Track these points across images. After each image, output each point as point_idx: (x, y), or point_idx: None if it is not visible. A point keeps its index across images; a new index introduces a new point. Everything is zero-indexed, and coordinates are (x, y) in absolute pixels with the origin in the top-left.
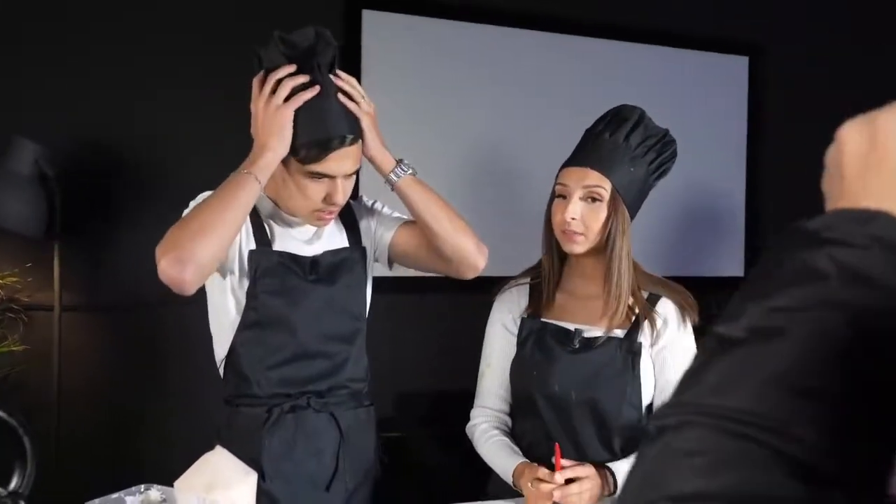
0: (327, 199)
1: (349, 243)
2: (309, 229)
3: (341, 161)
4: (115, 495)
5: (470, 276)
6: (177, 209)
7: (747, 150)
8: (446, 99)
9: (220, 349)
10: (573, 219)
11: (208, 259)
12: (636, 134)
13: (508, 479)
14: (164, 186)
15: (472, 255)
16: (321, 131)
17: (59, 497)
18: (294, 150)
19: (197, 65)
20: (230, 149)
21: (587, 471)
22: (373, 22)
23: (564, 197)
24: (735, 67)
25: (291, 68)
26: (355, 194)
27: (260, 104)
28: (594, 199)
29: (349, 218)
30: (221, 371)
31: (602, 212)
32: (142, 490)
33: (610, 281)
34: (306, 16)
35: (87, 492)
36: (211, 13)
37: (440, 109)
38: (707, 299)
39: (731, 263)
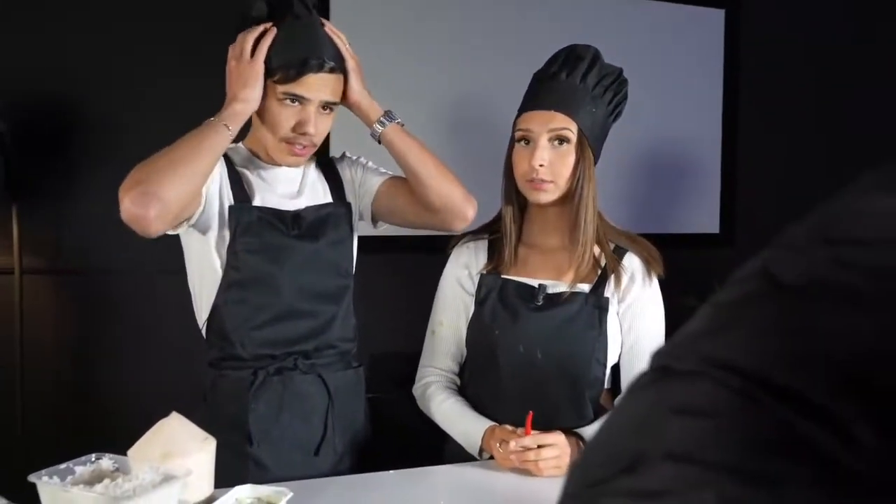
0: (298, 128)
1: (333, 199)
2: (291, 184)
3: (318, 85)
4: (63, 465)
5: (459, 227)
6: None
7: (723, 104)
8: (410, 54)
9: (203, 311)
10: (541, 165)
11: (173, 198)
12: (592, 74)
13: (475, 442)
14: (124, 143)
15: (460, 202)
16: (300, 50)
17: (23, 463)
18: (270, 71)
19: (154, 20)
20: (190, 104)
21: (555, 437)
22: None
23: (528, 142)
24: (711, 20)
25: (265, 27)
26: (325, 148)
27: (232, 59)
28: (562, 142)
29: (332, 173)
30: (204, 333)
31: (570, 156)
32: (93, 459)
33: (577, 229)
34: None
35: (51, 457)
36: None
37: (403, 64)
38: (683, 256)
39: (706, 219)
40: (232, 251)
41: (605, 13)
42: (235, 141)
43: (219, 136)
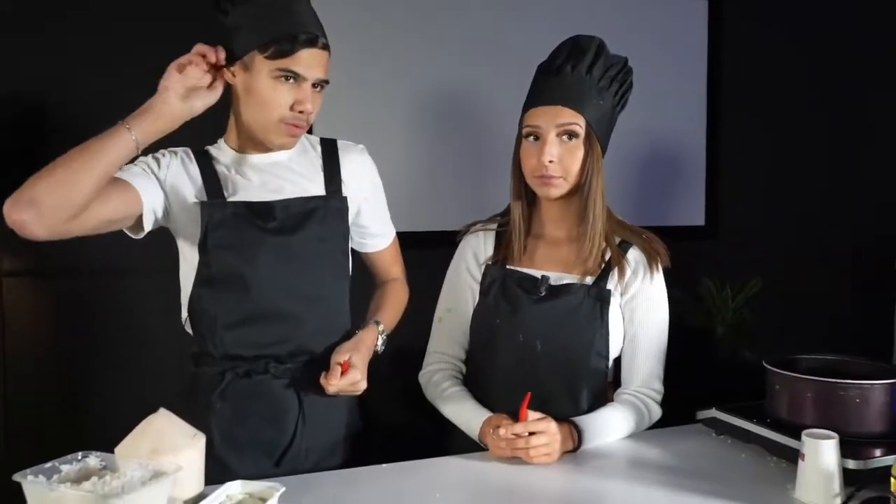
0: (295, 106)
1: (326, 191)
2: (277, 175)
3: (312, 61)
4: (49, 464)
5: None
6: None
7: (707, 96)
8: (401, 46)
9: (184, 307)
10: (551, 161)
11: (49, 203)
12: (598, 65)
13: (474, 434)
14: None
15: None
16: (292, 26)
17: (5, 462)
18: (262, 46)
19: (136, 21)
20: None
21: (546, 425)
22: None
23: (537, 138)
24: (694, 11)
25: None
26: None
27: (188, 59)
28: (570, 136)
29: (332, 162)
30: (188, 328)
31: (579, 150)
32: (79, 458)
33: (586, 223)
34: None
35: (35, 457)
36: None
37: (394, 57)
38: (669, 248)
39: (691, 212)
40: (203, 248)
41: (588, 5)
42: (212, 140)
43: (112, 139)
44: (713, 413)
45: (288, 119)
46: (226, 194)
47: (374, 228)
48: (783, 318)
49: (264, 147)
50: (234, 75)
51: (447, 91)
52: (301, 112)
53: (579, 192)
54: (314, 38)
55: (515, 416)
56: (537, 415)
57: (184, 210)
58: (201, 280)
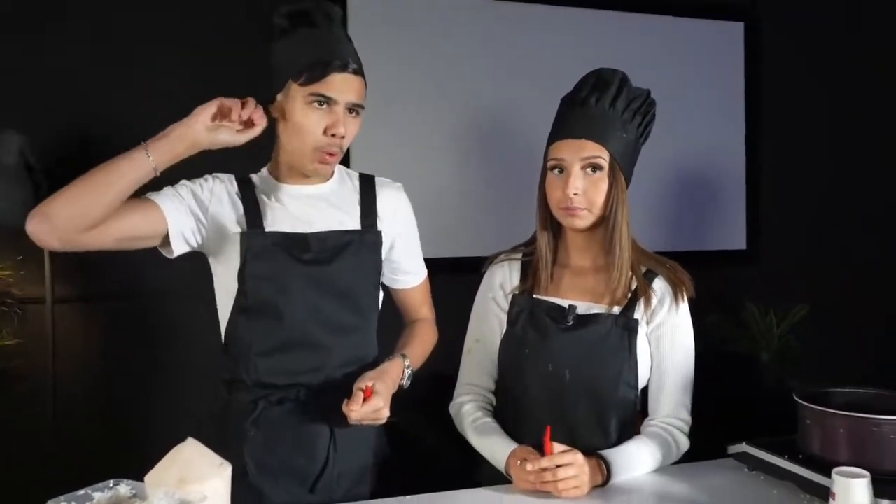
0: (328, 130)
1: (361, 225)
2: (315, 207)
3: (344, 86)
4: (81, 491)
5: None
6: None
7: (745, 118)
8: (434, 76)
9: (222, 333)
10: (575, 194)
11: (63, 218)
12: (621, 98)
13: (501, 466)
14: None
15: None
16: (324, 53)
17: (56, 487)
18: (295, 74)
19: (179, 54)
20: None
21: (573, 457)
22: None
23: (561, 171)
24: (730, 33)
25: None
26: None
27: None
28: (595, 169)
29: (369, 196)
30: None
31: (603, 182)
32: (111, 486)
33: (613, 253)
34: None
35: (82, 482)
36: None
37: (428, 86)
38: (710, 273)
39: (733, 236)
40: (241, 277)
41: (624, 31)
42: (255, 169)
43: (129, 162)
44: (743, 447)
45: (322, 145)
46: (265, 224)
47: (405, 265)
48: (830, 345)
49: (303, 177)
50: (276, 109)
51: (485, 115)
52: (334, 136)
53: (604, 223)
54: (345, 62)
55: (540, 449)
56: (563, 447)
57: (223, 237)
58: (238, 308)
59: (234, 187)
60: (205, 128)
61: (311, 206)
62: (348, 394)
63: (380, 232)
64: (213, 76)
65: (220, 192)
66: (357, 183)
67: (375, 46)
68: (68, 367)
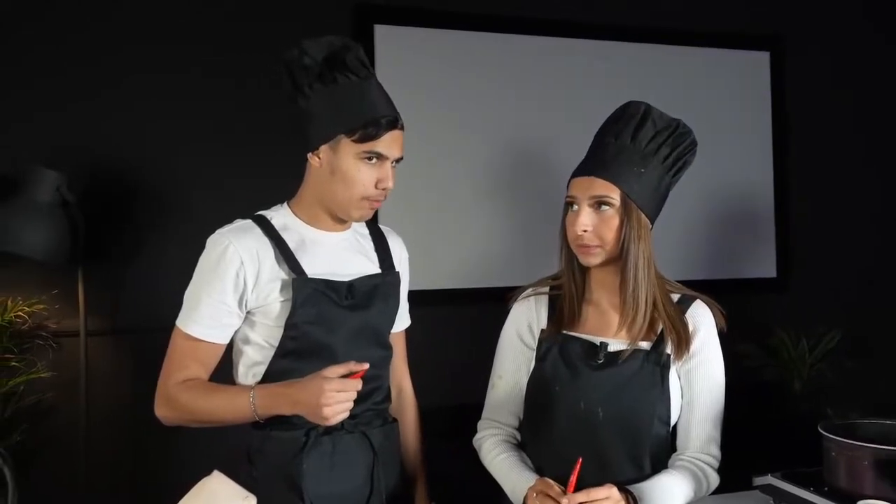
0: (378, 184)
1: (381, 269)
2: (337, 249)
3: (393, 142)
4: None
5: None
6: (196, 231)
7: (773, 147)
8: (461, 110)
9: (249, 376)
10: (584, 231)
11: (178, 422)
12: (644, 131)
13: (519, 499)
14: (183, 208)
15: None
16: (374, 110)
17: None
18: (348, 131)
19: (219, 88)
20: (246, 170)
21: (608, 492)
22: (384, 36)
23: (575, 208)
24: (757, 63)
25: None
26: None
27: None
28: (604, 207)
29: (382, 244)
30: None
31: (614, 220)
32: None
33: (625, 290)
34: (317, 34)
35: None
36: (222, 39)
37: (456, 120)
38: (740, 301)
39: (763, 265)
40: (291, 322)
41: (650, 63)
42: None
43: (234, 408)
44: (769, 479)
45: (372, 196)
46: (304, 269)
47: (401, 310)
48: (864, 372)
49: (336, 222)
50: (318, 157)
51: (499, 159)
52: (384, 189)
53: (619, 259)
54: (394, 120)
55: (561, 481)
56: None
57: (262, 292)
58: (284, 351)
59: (258, 236)
60: (333, 415)
61: (341, 251)
62: (379, 414)
63: (398, 273)
64: (247, 117)
65: (246, 258)
66: (367, 230)
67: (402, 81)
68: (101, 398)
